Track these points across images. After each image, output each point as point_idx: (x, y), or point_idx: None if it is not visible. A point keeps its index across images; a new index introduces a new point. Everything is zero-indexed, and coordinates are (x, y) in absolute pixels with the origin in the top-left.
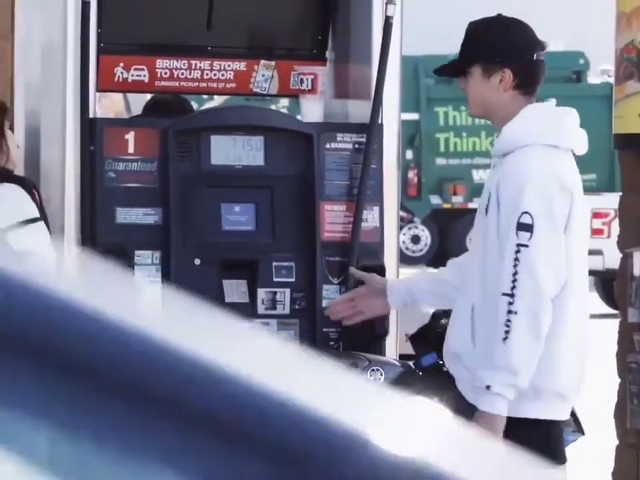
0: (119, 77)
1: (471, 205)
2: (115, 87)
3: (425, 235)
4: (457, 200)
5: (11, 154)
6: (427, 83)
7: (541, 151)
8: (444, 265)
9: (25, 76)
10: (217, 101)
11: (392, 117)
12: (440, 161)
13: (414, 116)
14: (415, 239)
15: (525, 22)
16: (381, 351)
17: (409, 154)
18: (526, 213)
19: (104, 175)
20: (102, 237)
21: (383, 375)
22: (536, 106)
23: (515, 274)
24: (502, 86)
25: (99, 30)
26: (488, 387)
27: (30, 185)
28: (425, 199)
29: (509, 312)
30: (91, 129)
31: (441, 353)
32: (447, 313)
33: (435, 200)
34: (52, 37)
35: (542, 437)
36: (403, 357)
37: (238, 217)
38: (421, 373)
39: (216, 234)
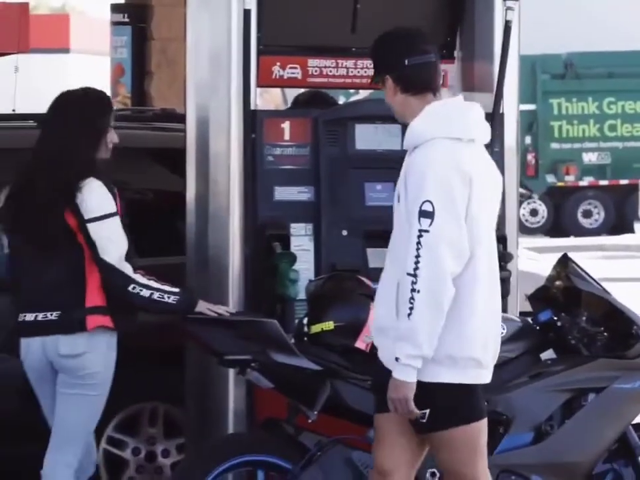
0: (276, 74)
1: (581, 183)
2: (272, 83)
3: (542, 209)
4: (569, 179)
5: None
6: (543, 78)
7: (443, 143)
8: (559, 235)
9: (196, 75)
10: (361, 94)
11: (511, 108)
12: (554, 145)
13: (531, 106)
14: (534, 212)
15: (407, 33)
16: (504, 309)
17: (528, 139)
18: (427, 201)
19: (264, 159)
20: (262, 212)
21: (505, 329)
22: (439, 103)
23: (417, 256)
24: (391, 92)
25: (259, 34)
26: (397, 359)
27: (111, 184)
28: (541, 177)
29: (413, 290)
30: (252, 120)
31: (556, 310)
32: (559, 277)
33: (551, 179)
34: (218, 41)
35: (462, 399)
36: (522, 314)
37: (379, 193)
38: (538, 328)
39: (360, 209)
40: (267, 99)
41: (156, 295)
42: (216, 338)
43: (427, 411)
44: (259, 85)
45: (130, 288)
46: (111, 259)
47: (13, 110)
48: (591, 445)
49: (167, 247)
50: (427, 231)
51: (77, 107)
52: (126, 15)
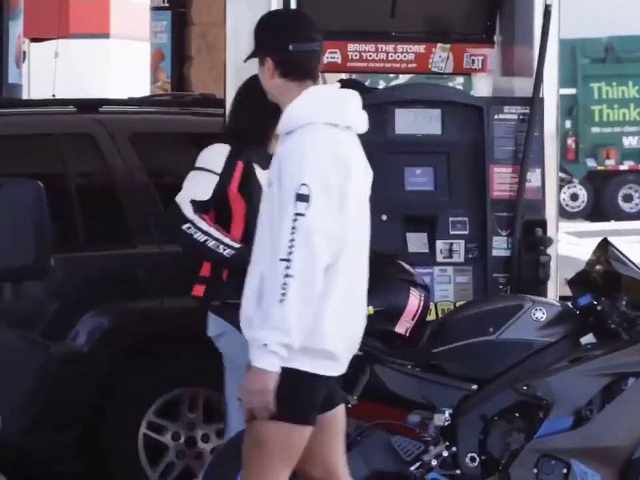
0: None
1: (621, 167)
2: None
3: (582, 193)
4: (610, 163)
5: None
6: (583, 62)
7: (320, 128)
8: (599, 219)
9: (235, 60)
10: (401, 79)
11: (551, 92)
12: (595, 129)
13: (572, 91)
14: (574, 197)
15: (295, 17)
16: (544, 293)
17: (568, 123)
18: (304, 184)
19: None
20: None
21: (545, 313)
22: (317, 88)
23: (291, 240)
24: (269, 73)
25: None
26: (265, 345)
27: (238, 153)
28: (582, 162)
29: (286, 276)
30: None
31: (596, 295)
32: (599, 261)
33: (591, 163)
34: None
35: (301, 393)
36: (562, 298)
37: (419, 178)
38: (577, 312)
39: (400, 193)
40: None
41: (211, 243)
42: None
43: None
44: None
45: (184, 227)
46: (178, 196)
47: (53, 95)
48: (632, 429)
49: None
50: (302, 215)
51: (245, 85)
52: (166, 0)
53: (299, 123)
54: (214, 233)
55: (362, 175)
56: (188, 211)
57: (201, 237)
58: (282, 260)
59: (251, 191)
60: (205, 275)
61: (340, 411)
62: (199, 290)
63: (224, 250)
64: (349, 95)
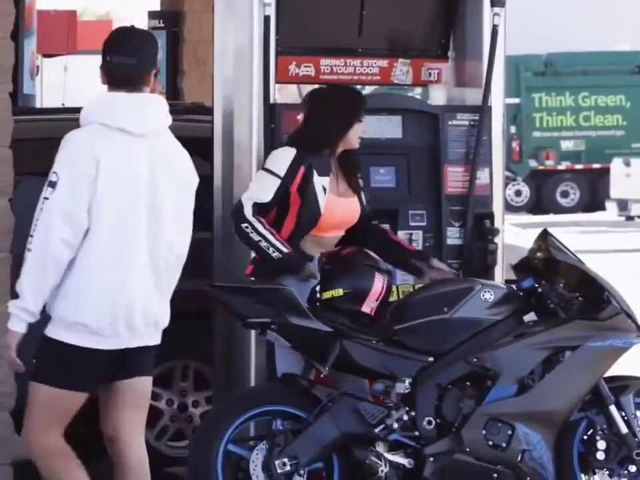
0: (292, 72)
1: (559, 167)
2: (289, 80)
3: (525, 190)
4: (549, 163)
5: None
6: (525, 75)
7: (91, 127)
8: (540, 212)
9: (222, 73)
10: (367, 90)
11: (498, 101)
12: (536, 134)
13: (516, 100)
14: (518, 193)
15: (124, 34)
16: (491, 277)
17: (513, 129)
18: (54, 172)
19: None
20: None
21: (493, 295)
22: (108, 94)
23: (37, 220)
24: (102, 82)
25: (277, 37)
26: (7, 307)
27: (302, 158)
28: (525, 162)
29: (28, 250)
30: (271, 112)
31: (537, 278)
32: (540, 249)
33: (533, 163)
34: (242, 43)
35: (59, 360)
36: (507, 282)
37: (382, 176)
38: (521, 294)
39: (366, 190)
40: (285, 94)
41: (263, 244)
42: (240, 303)
43: (34, 361)
44: (277, 82)
45: (243, 225)
46: (244, 195)
47: (63, 104)
48: (568, 395)
49: (196, 223)
50: (47, 199)
51: (318, 97)
52: (161, 21)
53: (83, 121)
54: (268, 235)
55: (135, 172)
56: (248, 212)
57: (255, 237)
58: (30, 235)
59: (307, 192)
60: (255, 257)
61: (136, 382)
62: (249, 269)
63: (273, 252)
64: (133, 100)
